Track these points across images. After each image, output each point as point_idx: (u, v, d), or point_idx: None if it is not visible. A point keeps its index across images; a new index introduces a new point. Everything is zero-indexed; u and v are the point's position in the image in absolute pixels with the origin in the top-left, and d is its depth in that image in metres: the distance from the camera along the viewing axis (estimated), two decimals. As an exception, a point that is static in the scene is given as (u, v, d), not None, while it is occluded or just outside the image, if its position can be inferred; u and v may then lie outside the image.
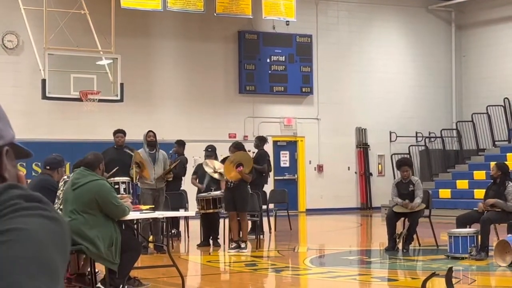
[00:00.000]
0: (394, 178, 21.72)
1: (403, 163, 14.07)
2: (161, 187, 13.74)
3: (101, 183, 8.90)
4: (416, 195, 13.61)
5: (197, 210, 14.30)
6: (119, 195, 9.94)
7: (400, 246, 13.61)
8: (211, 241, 15.00)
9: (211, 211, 14.29)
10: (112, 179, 12.81)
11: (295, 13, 23.27)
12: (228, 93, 24.19)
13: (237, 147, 14.43)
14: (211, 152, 15.51)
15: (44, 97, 17.86)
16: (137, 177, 13.61)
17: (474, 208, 13.19)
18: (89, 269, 9.51)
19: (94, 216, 8.72)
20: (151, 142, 13.76)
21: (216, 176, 14.63)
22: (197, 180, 15.89)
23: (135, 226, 10.80)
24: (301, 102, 25.33)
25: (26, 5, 18.55)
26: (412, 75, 27.13)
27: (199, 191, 15.22)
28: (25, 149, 1.64)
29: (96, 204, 8.71)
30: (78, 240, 8.67)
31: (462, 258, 12.27)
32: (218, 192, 14.44)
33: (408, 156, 23.75)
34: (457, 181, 23.96)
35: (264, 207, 16.68)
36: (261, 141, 17.50)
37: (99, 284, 9.05)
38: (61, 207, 9.72)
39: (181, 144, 16.89)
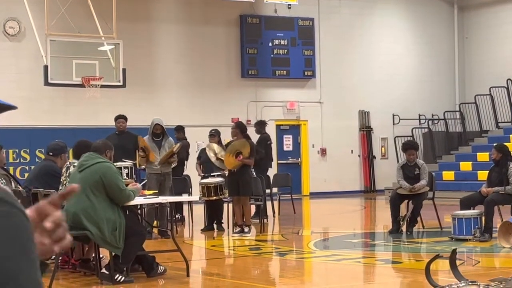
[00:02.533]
0: (398, 161, 21.74)
1: (410, 147, 14.06)
2: (166, 172, 13.74)
3: (108, 165, 8.97)
4: (422, 178, 13.61)
5: (200, 196, 14.31)
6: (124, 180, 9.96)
7: (404, 228, 13.63)
8: (215, 226, 15.02)
9: (213, 198, 14.27)
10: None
11: (297, -4, 23.22)
12: (230, 78, 24.17)
13: (239, 126, 14.40)
14: (214, 133, 15.54)
15: (47, 83, 17.86)
16: (143, 164, 13.62)
17: (478, 190, 13.18)
18: (93, 255, 9.54)
19: (100, 198, 8.75)
20: (156, 134, 13.75)
21: (218, 163, 14.61)
22: (200, 166, 15.92)
23: (139, 211, 10.83)
24: (304, 85, 25.31)
25: (27, -9, 18.52)
26: (414, 57, 27.08)
27: (202, 177, 15.25)
28: (4, 103, 1.61)
29: (101, 186, 8.75)
30: (83, 222, 8.70)
31: (466, 240, 12.28)
32: (220, 179, 14.42)
33: (412, 138, 23.74)
34: (461, 163, 23.97)
35: (268, 191, 16.69)
36: (261, 125, 17.44)
37: (103, 270, 9.08)
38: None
39: (180, 129, 16.94)
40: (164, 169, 13.66)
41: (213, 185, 14.19)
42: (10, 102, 1.55)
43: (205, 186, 14.25)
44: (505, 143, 14.47)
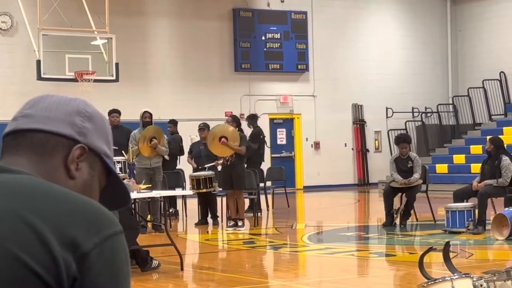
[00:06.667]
0: (391, 154, 21.78)
1: (402, 140, 14.08)
2: (156, 166, 13.74)
3: None
4: (415, 172, 13.63)
5: (190, 188, 14.33)
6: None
7: (397, 221, 13.66)
8: (209, 220, 15.02)
9: (203, 190, 14.28)
10: None
11: (290, -10, 23.19)
12: (223, 71, 24.15)
13: (235, 120, 14.49)
14: (203, 127, 15.57)
15: (40, 78, 17.82)
16: (134, 157, 13.61)
17: (471, 183, 13.21)
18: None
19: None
20: (146, 122, 13.75)
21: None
22: (193, 160, 15.92)
23: (133, 205, 10.82)
24: (297, 79, 25.30)
25: (19, -14, 18.47)
26: (408, 50, 27.09)
27: (194, 170, 15.26)
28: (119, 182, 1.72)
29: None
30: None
31: (460, 233, 12.31)
32: (209, 172, 14.43)
33: (405, 131, 23.77)
34: (454, 155, 24.01)
35: (262, 185, 16.70)
36: (252, 119, 17.42)
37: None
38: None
39: (174, 123, 16.98)
40: (153, 163, 13.66)
41: (202, 177, 14.20)
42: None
43: (194, 179, 14.27)
44: (498, 136, 14.51)
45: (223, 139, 13.70)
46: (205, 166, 14.87)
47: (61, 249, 1.42)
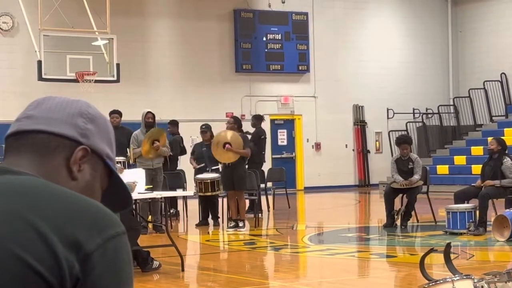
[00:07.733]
0: (392, 155, 21.77)
1: (403, 141, 14.08)
2: (158, 167, 13.73)
3: None
4: (415, 173, 13.63)
5: (195, 191, 14.29)
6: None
7: (398, 222, 13.65)
8: (210, 221, 15.01)
9: (209, 193, 14.26)
10: None
11: (291, -9, 23.19)
12: (224, 72, 24.15)
13: (237, 121, 14.52)
14: (205, 129, 15.55)
15: (40, 78, 17.82)
16: (135, 158, 13.60)
17: (472, 184, 13.21)
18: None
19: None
20: (149, 123, 13.74)
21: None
22: (195, 161, 15.90)
23: (134, 206, 10.82)
24: (298, 80, 25.30)
25: (20, -14, 18.47)
26: (408, 51, 27.09)
27: (196, 172, 15.23)
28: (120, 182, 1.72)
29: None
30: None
31: (460, 234, 12.31)
32: (215, 175, 14.41)
33: (406, 132, 23.76)
34: (455, 157, 24.00)
35: (262, 185, 16.68)
36: (257, 119, 17.43)
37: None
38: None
39: (175, 123, 16.95)
40: (155, 164, 13.66)
41: (209, 180, 14.18)
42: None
43: (201, 182, 14.23)
44: (500, 137, 14.51)
45: (227, 145, 13.70)
46: (208, 169, 14.84)
47: (64, 250, 1.41)
